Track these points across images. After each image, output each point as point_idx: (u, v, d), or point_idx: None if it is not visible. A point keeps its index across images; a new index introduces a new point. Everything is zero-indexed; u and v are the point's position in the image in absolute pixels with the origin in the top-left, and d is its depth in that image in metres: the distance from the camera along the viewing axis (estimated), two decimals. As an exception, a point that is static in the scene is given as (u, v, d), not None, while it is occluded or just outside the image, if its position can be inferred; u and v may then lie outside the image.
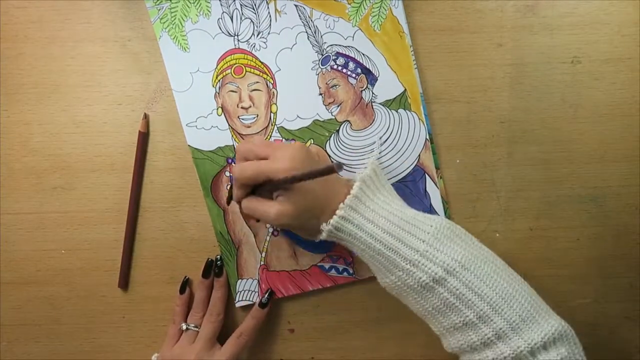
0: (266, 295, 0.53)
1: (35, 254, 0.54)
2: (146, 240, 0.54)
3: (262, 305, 0.53)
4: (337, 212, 0.44)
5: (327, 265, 0.54)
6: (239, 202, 0.48)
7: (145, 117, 0.53)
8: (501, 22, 0.52)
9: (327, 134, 0.53)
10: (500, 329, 0.40)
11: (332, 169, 0.38)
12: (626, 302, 0.54)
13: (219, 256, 0.53)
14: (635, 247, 0.54)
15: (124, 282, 0.54)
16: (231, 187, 0.52)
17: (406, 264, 0.42)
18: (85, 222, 0.54)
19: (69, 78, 0.53)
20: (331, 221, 0.44)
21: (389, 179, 0.53)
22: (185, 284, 0.54)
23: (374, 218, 0.44)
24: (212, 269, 0.53)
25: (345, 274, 0.54)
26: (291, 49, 0.52)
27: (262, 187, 0.46)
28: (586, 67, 0.52)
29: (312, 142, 0.53)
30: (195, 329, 0.52)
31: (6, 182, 0.54)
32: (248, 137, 0.53)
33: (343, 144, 0.53)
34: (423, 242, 0.42)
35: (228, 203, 0.53)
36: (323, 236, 0.45)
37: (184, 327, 0.52)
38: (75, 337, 0.55)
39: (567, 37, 0.52)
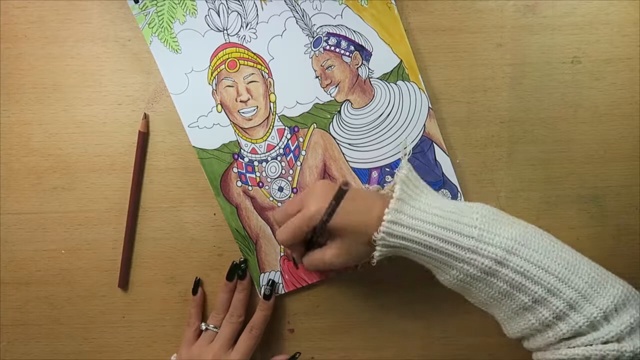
0: (267, 287, 0.53)
1: (35, 254, 0.54)
2: (146, 240, 0.54)
3: (265, 297, 0.52)
4: (385, 217, 0.42)
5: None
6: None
7: (145, 117, 0.53)
8: (501, 22, 0.52)
9: (329, 117, 0.52)
10: (572, 299, 0.39)
11: (342, 191, 0.38)
12: (626, 302, 0.54)
13: (242, 258, 0.53)
14: (635, 247, 0.54)
15: (124, 282, 0.54)
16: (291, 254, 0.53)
17: (465, 252, 0.41)
18: (85, 222, 0.54)
19: (69, 78, 0.53)
20: (381, 228, 0.42)
21: (396, 154, 0.52)
22: (197, 285, 0.53)
23: (422, 216, 0.42)
24: (236, 272, 0.53)
25: None
26: (281, 35, 0.52)
27: (312, 240, 0.46)
28: (586, 67, 0.52)
29: (315, 126, 0.52)
30: (215, 329, 0.52)
31: (6, 182, 0.54)
32: (251, 130, 0.53)
33: (346, 123, 0.52)
34: (475, 227, 0.41)
35: (296, 267, 0.53)
36: (377, 254, 0.44)
37: (204, 327, 0.52)
38: (75, 337, 0.55)
39: (567, 37, 0.52)
